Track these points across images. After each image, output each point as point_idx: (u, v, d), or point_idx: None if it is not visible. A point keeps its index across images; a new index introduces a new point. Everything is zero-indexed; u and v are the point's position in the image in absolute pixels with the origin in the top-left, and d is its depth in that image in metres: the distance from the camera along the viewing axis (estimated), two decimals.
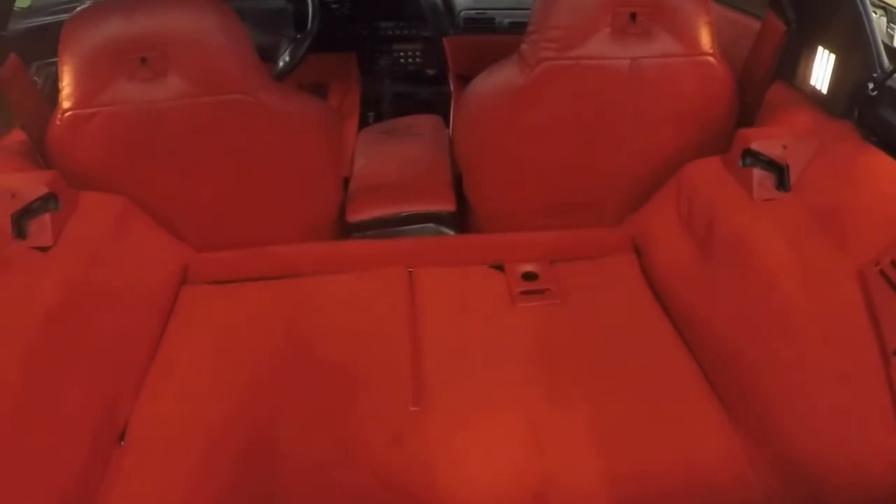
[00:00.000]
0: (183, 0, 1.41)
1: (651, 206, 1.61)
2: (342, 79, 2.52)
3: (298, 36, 2.14)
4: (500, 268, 1.58)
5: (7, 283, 1.18)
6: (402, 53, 2.58)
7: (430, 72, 2.59)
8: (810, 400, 1.07)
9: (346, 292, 1.48)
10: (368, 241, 1.65)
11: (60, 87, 1.38)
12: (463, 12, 2.59)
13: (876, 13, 4.55)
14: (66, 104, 1.38)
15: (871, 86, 1.30)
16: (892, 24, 4.43)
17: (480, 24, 2.57)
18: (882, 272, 1.12)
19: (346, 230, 1.69)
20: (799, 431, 1.06)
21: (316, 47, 2.15)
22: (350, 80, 2.53)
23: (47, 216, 1.29)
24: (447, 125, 2.21)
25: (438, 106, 2.42)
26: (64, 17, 1.49)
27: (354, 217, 1.67)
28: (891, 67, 1.32)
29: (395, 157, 1.91)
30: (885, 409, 1.00)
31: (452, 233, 1.69)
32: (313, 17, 2.12)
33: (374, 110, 2.59)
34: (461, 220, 1.74)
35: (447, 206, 1.70)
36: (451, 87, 2.37)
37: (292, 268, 1.55)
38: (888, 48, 4.43)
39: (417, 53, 2.59)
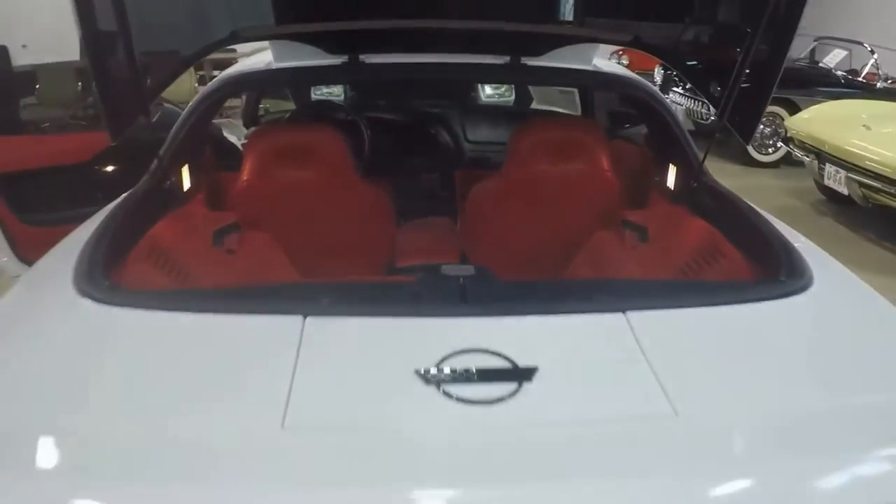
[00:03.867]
0: (316, 128, 2.44)
1: (575, 263, 2.54)
2: None
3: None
4: None
5: (211, 270, 2.08)
6: (424, 180, 3.68)
7: (444, 194, 3.67)
8: None
9: None
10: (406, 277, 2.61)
11: (244, 165, 2.30)
12: (468, 153, 3.74)
13: (808, 156, 5.73)
14: (245, 177, 2.30)
15: (693, 183, 2.27)
16: (822, 166, 5.59)
17: (481, 162, 3.69)
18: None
19: (394, 271, 2.58)
20: None
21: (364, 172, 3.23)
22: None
23: (235, 235, 2.22)
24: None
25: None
26: None
27: (401, 263, 2.58)
28: (700, 171, 2.31)
29: (423, 233, 2.90)
30: None
31: None
32: (368, 149, 3.23)
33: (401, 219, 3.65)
34: None
35: (454, 261, 2.63)
36: (458, 207, 3.45)
37: None
38: (822, 188, 5.76)
39: (435, 180, 3.68)
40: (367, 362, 1.16)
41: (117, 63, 1.67)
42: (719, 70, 2.03)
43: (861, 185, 5.09)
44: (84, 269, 1.41)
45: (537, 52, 2.32)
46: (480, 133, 3.80)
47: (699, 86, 2.29)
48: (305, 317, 1.21)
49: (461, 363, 1.08)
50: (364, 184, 2.45)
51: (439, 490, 0.94)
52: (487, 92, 4.93)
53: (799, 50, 9.65)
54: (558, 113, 4.11)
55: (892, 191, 4.79)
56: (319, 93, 4.81)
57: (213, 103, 2.30)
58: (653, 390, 1.07)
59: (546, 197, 2.47)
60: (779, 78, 1.83)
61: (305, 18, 2.08)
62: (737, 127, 2.03)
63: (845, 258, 4.91)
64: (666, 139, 2.42)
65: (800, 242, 1.70)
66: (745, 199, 2.04)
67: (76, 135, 4.10)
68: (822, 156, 5.56)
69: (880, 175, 4.88)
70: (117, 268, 1.59)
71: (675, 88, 7.98)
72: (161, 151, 2.13)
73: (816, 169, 5.64)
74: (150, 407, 1.08)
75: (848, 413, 1.11)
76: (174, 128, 2.21)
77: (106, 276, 1.42)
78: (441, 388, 1.05)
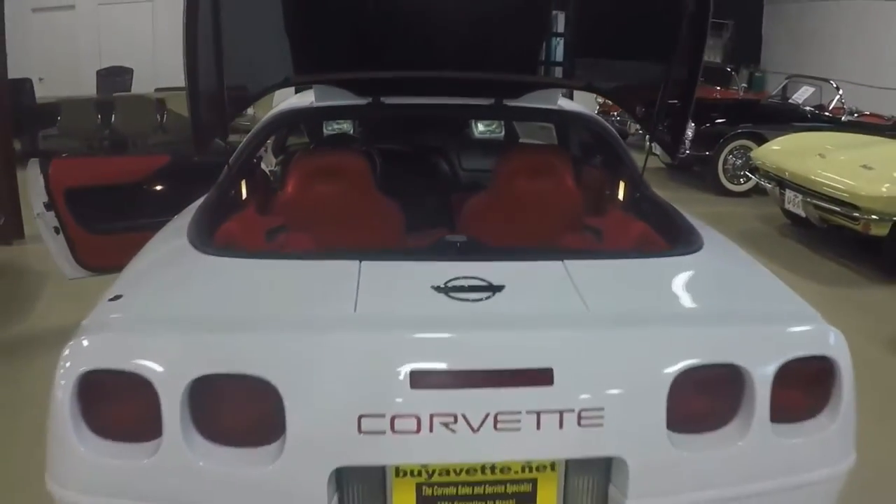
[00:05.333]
0: (344, 153, 3.14)
1: None
2: None
3: None
4: None
5: None
6: (425, 200, 4.37)
7: (442, 212, 4.37)
8: None
9: None
10: None
11: (288, 182, 2.95)
12: (463, 178, 4.44)
13: (770, 184, 6.45)
14: (290, 190, 2.94)
15: (637, 194, 2.95)
16: (782, 192, 6.30)
17: (473, 186, 4.39)
18: None
19: None
20: None
21: None
22: None
23: (283, 234, 2.78)
24: None
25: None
26: None
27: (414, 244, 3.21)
28: (641, 185, 2.98)
29: (425, 240, 3.52)
30: None
31: None
32: (379, 174, 3.91)
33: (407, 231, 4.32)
34: None
35: None
36: (455, 221, 4.14)
37: None
38: (786, 213, 6.61)
39: (435, 201, 4.38)
40: (402, 282, 1.84)
41: (209, 95, 2.36)
42: (648, 103, 2.74)
43: (816, 207, 5.76)
44: (195, 234, 2.08)
45: (515, 95, 3.03)
46: (473, 163, 4.54)
47: (633, 116, 3.01)
48: (361, 261, 1.88)
49: (458, 283, 1.76)
50: (381, 199, 3.13)
51: (443, 335, 1.64)
52: (480, 129, 5.72)
53: (772, 87, 10.53)
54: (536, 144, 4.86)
55: (843, 211, 5.45)
56: (331, 129, 5.55)
57: (268, 133, 3.00)
58: (574, 298, 1.74)
59: (524, 209, 3.13)
60: (691, 108, 2.53)
61: (340, 69, 2.80)
62: (664, 146, 2.73)
63: (805, 273, 5.69)
64: (614, 161, 3.12)
65: (704, 230, 2.37)
66: (672, 203, 2.73)
67: (132, 158, 4.76)
68: (783, 182, 6.27)
69: (833, 198, 5.55)
70: None
71: None
72: (230, 161, 2.83)
73: (778, 195, 6.36)
74: (263, 301, 1.77)
75: (697, 314, 1.83)
76: (238, 150, 2.91)
77: (211, 240, 2.11)
78: (446, 294, 1.72)
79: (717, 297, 1.93)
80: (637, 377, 1.61)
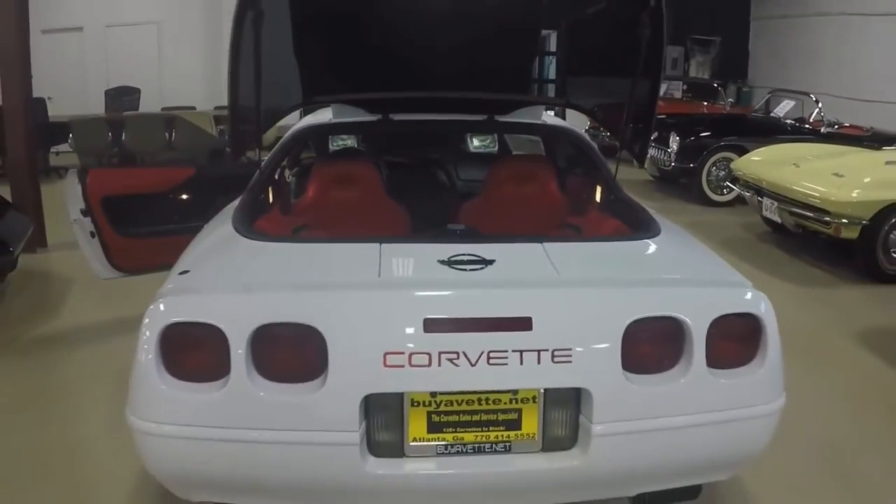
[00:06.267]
0: (358, 161, 3.65)
1: None
2: None
3: None
4: None
5: None
6: (425, 206, 4.86)
7: (440, 216, 4.86)
8: None
9: None
10: None
11: (310, 187, 3.42)
12: (459, 188, 4.93)
13: (749, 192, 6.92)
14: (311, 194, 3.40)
15: (612, 196, 3.45)
16: (760, 199, 6.76)
17: (468, 195, 4.88)
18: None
19: None
20: None
21: None
22: None
23: (306, 231, 3.21)
24: None
25: None
26: None
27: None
28: (615, 188, 3.46)
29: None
30: None
31: None
32: (386, 181, 4.41)
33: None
34: None
35: None
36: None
37: None
38: (766, 220, 7.17)
39: (434, 206, 4.87)
40: (414, 257, 2.33)
41: (246, 113, 2.84)
42: (617, 117, 3.24)
43: (791, 213, 6.22)
44: (238, 223, 2.55)
45: (505, 112, 3.55)
46: (468, 173, 5.04)
47: (608, 128, 3.53)
48: (381, 243, 2.35)
49: (458, 258, 2.23)
50: (389, 202, 3.61)
51: (448, 292, 2.13)
52: (475, 143, 6.23)
53: (756, 101, 11.09)
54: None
55: (816, 217, 5.91)
56: (336, 144, 6.05)
57: (294, 144, 3.50)
58: (549, 267, 2.22)
59: (513, 211, 3.60)
60: (654, 120, 3.03)
61: (355, 90, 3.29)
62: (633, 153, 3.22)
63: (782, 276, 6.29)
64: (591, 168, 3.61)
65: (663, 222, 2.82)
66: (641, 202, 3.21)
67: (161, 170, 5.21)
68: (761, 191, 6.76)
69: (806, 204, 6.00)
70: None
71: None
72: (262, 166, 3.31)
73: (756, 202, 6.84)
74: (307, 270, 2.25)
75: (646, 278, 2.30)
76: (266, 159, 3.39)
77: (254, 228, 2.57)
78: (449, 266, 2.20)
79: (666, 268, 2.43)
80: (597, 325, 2.09)
